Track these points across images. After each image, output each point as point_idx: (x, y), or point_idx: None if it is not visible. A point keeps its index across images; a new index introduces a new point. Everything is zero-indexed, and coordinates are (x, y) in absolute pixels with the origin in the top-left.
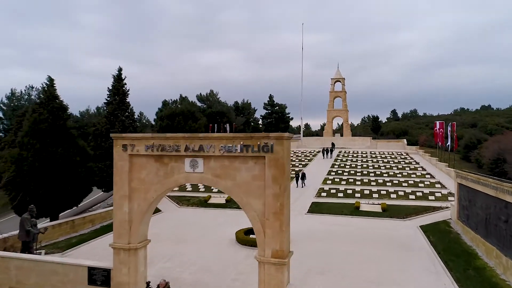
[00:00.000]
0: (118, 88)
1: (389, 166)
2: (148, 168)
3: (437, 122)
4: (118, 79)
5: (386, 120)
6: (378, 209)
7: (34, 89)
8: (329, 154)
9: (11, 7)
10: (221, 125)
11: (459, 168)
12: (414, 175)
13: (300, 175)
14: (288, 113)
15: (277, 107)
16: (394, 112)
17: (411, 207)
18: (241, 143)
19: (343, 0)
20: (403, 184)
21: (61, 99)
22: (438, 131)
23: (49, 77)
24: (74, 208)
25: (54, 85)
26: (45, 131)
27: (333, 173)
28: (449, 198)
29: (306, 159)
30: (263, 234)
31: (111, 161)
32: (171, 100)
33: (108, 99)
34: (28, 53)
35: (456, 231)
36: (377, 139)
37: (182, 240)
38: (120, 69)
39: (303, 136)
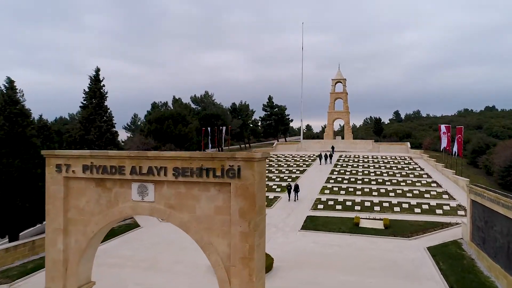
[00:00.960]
0: (95, 91)
1: (392, 173)
2: (88, 195)
3: (443, 125)
4: (96, 81)
5: (389, 122)
6: (379, 225)
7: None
8: (328, 159)
9: (12, 7)
10: (215, 128)
11: (466, 174)
12: (419, 184)
13: (293, 187)
14: (288, 115)
15: (276, 109)
16: (397, 113)
17: (416, 223)
18: (201, 165)
19: (346, 1)
20: (407, 195)
21: (22, 103)
22: (444, 134)
23: (8, 78)
24: (38, 225)
25: (15, 88)
26: (0, 140)
27: (332, 181)
28: (459, 212)
29: (305, 164)
30: (228, 284)
31: None
32: (160, 102)
33: (84, 102)
34: (30, 53)
35: (470, 255)
36: (379, 141)
37: (154, 267)
38: (97, 70)
39: (304, 138)
